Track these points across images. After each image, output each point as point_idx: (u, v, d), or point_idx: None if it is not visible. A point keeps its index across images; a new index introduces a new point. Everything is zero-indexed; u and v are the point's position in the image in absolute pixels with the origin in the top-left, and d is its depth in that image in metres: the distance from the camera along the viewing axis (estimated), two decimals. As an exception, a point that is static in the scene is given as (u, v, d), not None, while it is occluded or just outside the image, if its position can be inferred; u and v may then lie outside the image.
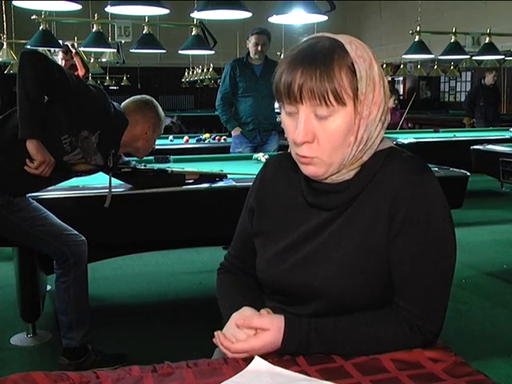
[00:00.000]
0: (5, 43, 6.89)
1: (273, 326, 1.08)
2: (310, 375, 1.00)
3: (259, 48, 4.63)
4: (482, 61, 8.35)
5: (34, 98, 2.22)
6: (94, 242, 2.54)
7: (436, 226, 1.09)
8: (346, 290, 1.10)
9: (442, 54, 6.51)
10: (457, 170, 3.21)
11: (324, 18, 3.37)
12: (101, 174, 2.62)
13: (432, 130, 7.22)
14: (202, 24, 4.94)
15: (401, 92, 14.54)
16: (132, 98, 2.60)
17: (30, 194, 2.47)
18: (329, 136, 1.07)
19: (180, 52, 5.58)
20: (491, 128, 7.51)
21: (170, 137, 5.92)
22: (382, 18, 9.93)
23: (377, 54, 1.12)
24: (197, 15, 3.74)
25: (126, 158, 2.75)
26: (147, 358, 1.27)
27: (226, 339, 1.10)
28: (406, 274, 1.10)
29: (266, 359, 1.04)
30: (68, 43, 5.50)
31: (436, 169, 3.10)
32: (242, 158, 4.16)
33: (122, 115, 2.49)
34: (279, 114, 1.22)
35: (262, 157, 3.87)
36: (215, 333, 1.13)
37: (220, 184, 2.88)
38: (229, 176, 2.98)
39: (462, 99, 12.04)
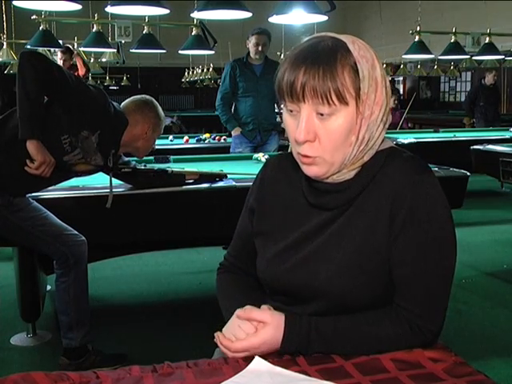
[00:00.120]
0: (5, 43, 6.89)
1: (272, 321, 1.08)
2: (310, 375, 1.00)
3: (259, 48, 4.62)
4: (481, 61, 8.36)
5: (34, 99, 2.22)
6: (94, 241, 2.54)
7: (437, 226, 1.09)
8: (346, 290, 1.10)
9: (442, 54, 6.52)
10: (457, 169, 3.21)
11: (324, 18, 3.37)
12: (101, 173, 2.62)
13: (432, 130, 7.22)
14: (202, 24, 4.94)
15: (401, 92, 14.53)
16: (132, 97, 2.60)
17: (30, 194, 2.47)
18: (330, 135, 1.07)
19: (180, 52, 5.59)
20: (491, 128, 7.51)
21: (170, 137, 5.90)
22: (381, 18, 9.93)
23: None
24: (197, 15, 3.74)
25: (126, 158, 2.75)
26: (147, 358, 1.27)
27: (225, 338, 1.10)
28: (407, 274, 1.10)
29: (266, 359, 1.04)
30: (69, 46, 5.51)
31: (436, 169, 3.10)
32: (241, 158, 4.15)
33: (122, 115, 2.49)
34: (279, 114, 1.22)
35: (262, 157, 3.86)
36: (215, 334, 1.13)
37: (220, 184, 2.88)
38: (229, 176, 2.98)
39: (462, 99, 12.06)
